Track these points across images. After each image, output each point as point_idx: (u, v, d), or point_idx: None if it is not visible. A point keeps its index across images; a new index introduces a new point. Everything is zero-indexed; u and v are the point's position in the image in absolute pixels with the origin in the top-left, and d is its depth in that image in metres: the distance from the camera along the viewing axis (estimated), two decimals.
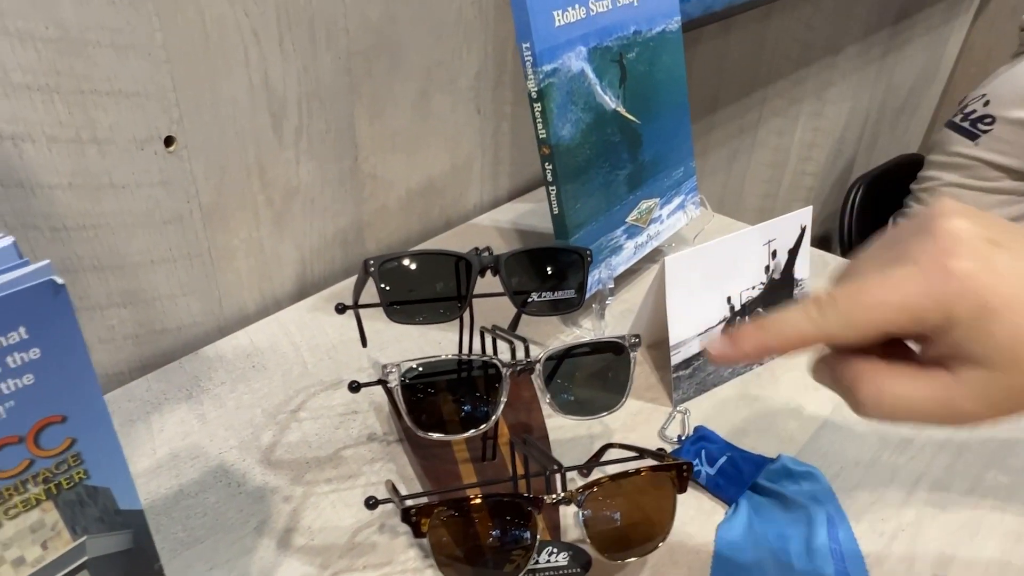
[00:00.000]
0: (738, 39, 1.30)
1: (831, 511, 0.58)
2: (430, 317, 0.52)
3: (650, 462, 0.46)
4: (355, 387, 0.53)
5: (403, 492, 0.51)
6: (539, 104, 0.64)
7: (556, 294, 0.53)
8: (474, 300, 0.54)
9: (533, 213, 0.97)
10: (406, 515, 0.40)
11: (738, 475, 0.60)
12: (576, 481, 0.56)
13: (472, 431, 0.46)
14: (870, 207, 1.64)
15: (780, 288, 0.71)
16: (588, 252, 0.55)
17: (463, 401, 0.46)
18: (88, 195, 0.60)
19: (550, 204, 0.68)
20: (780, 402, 0.68)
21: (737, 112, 1.42)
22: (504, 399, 0.45)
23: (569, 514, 0.53)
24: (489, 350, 0.56)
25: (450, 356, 0.46)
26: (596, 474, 0.56)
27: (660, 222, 0.80)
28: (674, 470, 0.44)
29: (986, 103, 1.43)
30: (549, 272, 0.54)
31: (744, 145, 1.51)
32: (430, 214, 0.91)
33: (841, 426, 0.66)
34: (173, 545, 0.53)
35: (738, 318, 0.69)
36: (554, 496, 0.41)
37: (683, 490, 0.46)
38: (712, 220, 0.86)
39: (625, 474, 0.43)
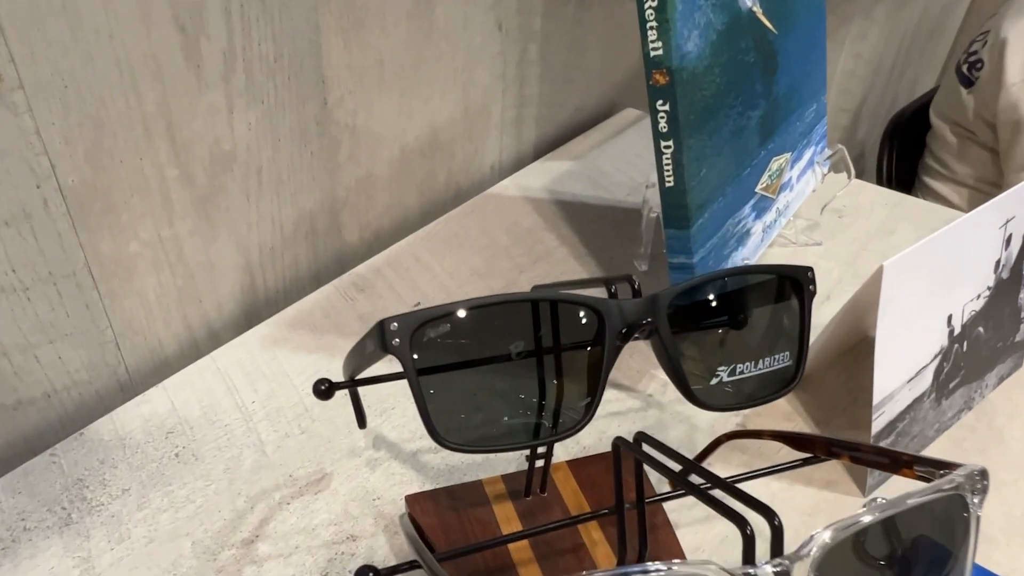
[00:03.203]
0: None
1: None
2: (510, 434, 0.26)
3: None
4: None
5: None
6: None
7: (760, 366, 0.26)
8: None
9: (573, 177, 0.69)
10: None
11: None
12: None
13: None
14: (907, 152, 1.39)
15: (1006, 294, 0.46)
16: (810, 275, 0.28)
17: None
18: None
19: (661, 172, 0.41)
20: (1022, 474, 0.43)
21: None
22: None
23: None
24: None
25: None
26: None
27: (790, 189, 0.54)
28: None
29: None
30: (745, 324, 0.27)
31: None
32: (434, 182, 0.63)
33: None
34: None
35: (955, 346, 0.44)
36: None
37: None
38: (848, 184, 0.59)
39: None
